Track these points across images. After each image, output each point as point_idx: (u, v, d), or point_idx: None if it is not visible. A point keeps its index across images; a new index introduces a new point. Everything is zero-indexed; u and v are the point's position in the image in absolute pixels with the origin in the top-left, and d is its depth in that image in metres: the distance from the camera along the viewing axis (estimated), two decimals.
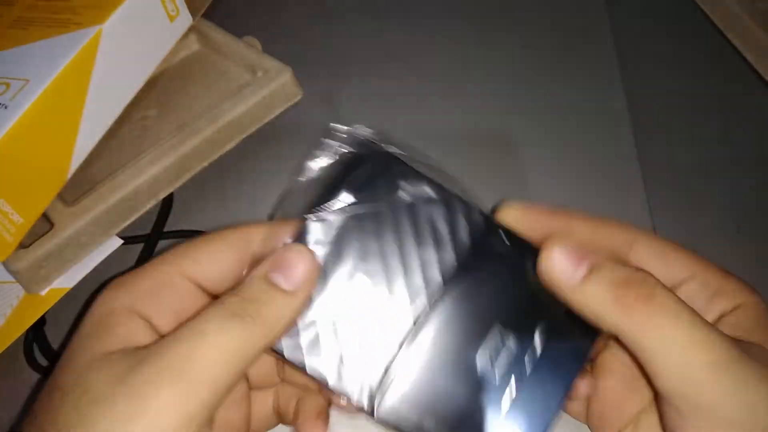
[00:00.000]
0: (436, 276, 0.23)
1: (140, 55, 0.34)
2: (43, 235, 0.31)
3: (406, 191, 0.23)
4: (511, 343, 0.23)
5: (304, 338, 0.22)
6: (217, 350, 0.19)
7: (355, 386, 0.22)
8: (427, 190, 0.23)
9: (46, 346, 0.31)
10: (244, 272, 0.23)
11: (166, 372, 0.19)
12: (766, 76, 0.41)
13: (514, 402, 0.22)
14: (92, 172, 0.34)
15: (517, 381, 0.22)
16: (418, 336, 0.22)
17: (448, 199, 0.23)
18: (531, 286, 0.23)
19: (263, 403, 0.26)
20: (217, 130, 0.34)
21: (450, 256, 0.23)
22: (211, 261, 0.23)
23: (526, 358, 0.23)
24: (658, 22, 0.44)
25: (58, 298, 0.31)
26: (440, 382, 0.22)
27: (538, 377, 0.22)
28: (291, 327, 0.22)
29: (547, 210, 0.25)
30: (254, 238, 0.23)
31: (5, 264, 0.30)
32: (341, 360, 0.22)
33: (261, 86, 0.35)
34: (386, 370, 0.22)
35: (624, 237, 0.25)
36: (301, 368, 0.22)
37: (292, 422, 0.25)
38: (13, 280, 0.31)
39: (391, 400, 0.22)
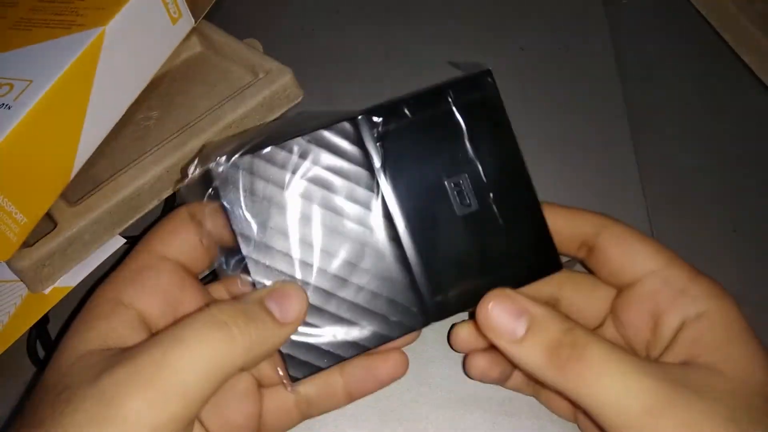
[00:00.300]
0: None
1: (143, 57, 0.34)
2: (46, 235, 0.31)
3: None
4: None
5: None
6: (192, 359, 0.19)
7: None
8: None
9: (50, 345, 0.31)
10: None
11: (137, 377, 0.18)
12: (763, 77, 0.41)
13: None
14: (95, 172, 0.34)
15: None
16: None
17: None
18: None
19: (282, 399, 0.25)
20: (219, 130, 0.34)
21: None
22: (179, 239, 0.24)
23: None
24: (655, 22, 0.45)
25: (61, 297, 0.32)
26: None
27: None
28: (269, 358, 0.22)
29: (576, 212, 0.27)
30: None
31: (9, 263, 0.31)
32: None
33: (262, 87, 0.35)
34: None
35: (593, 224, 0.26)
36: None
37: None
38: (17, 279, 0.32)
39: None
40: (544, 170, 0.37)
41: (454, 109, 0.25)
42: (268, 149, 0.23)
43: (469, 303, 0.24)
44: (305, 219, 0.23)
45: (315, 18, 0.45)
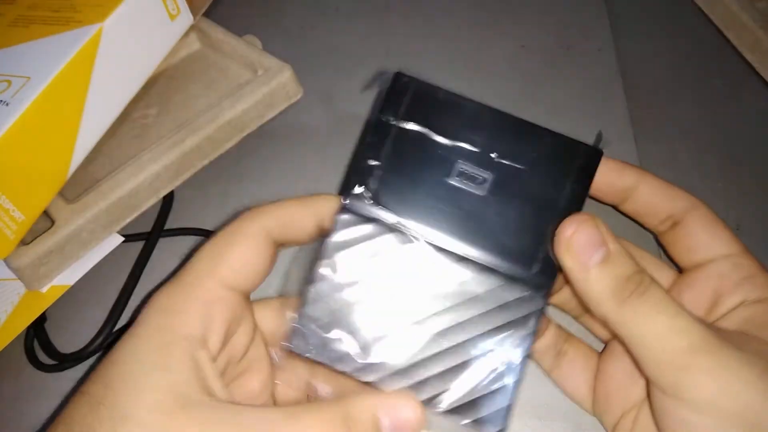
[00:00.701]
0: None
1: (141, 54, 0.34)
2: (44, 232, 0.31)
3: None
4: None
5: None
6: None
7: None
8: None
9: (47, 344, 0.31)
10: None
11: None
12: (765, 75, 0.41)
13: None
14: (93, 170, 0.34)
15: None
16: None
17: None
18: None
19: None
20: (218, 128, 0.34)
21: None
22: (244, 264, 0.23)
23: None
24: (657, 20, 0.45)
25: (59, 295, 0.32)
26: None
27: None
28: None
29: (623, 164, 0.28)
30: (272, 225, 0.24)
31: (6, 261, 0.30)
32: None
33: (261, 84, 0.35)
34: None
35: (687, 201, 0.27)
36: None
37: None
38: (14, 277, 0.31)
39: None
40: None
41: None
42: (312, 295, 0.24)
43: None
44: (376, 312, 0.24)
45: (314, 15, 0.45)
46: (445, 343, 0.24)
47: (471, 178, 0.25)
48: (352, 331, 0.23)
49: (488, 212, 0.24)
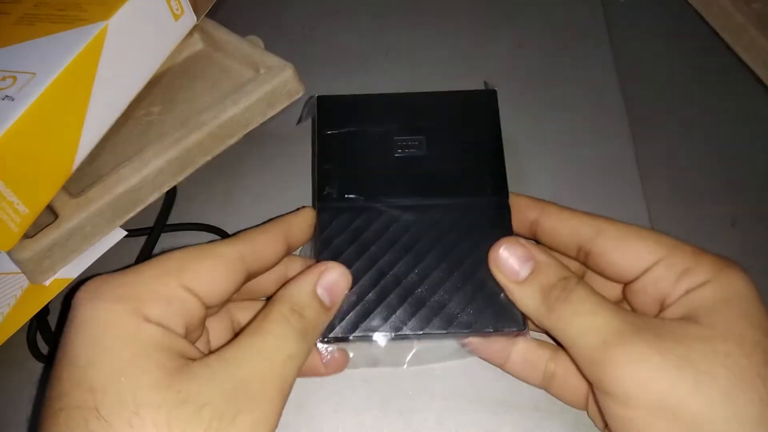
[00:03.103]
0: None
1: (145, 52, 0.35)
2: (47, 226, 0.31)
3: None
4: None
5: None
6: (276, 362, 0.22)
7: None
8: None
9: (50, 336, 0.32)
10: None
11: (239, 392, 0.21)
12: (760, 74, 0.41)
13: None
14: (97, 165, 0.34)
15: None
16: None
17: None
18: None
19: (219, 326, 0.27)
20: (221, 125, 0.34)
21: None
22: (211, 278, 0.24)
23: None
24: (653, 21, 0.45)
25: (61, 289, 0.32)
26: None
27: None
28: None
29: (527, 201, 0.29)
30: (247, 253, 0.25)
31: (10, 254, 0.31)
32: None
33: (263, 82, 0.35)
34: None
35: (589, 227, 0.26)
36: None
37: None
38: (18, 270, 0.32)
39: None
40: (543, 168, 0.37)
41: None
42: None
43: None
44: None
45: (316, 16, 0.45)
46: (445, 276, 0.27)
47: (409, 146, 0.30)
48: (368, 302, 0.27)
49: (434, 164, 0.30)
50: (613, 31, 0.44)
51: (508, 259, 0.26)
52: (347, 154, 0.30)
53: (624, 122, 0.39)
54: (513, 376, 0.28)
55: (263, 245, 0.26)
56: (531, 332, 0.28)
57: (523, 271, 0.25)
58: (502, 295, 0.27)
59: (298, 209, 0.29)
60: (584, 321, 0.23)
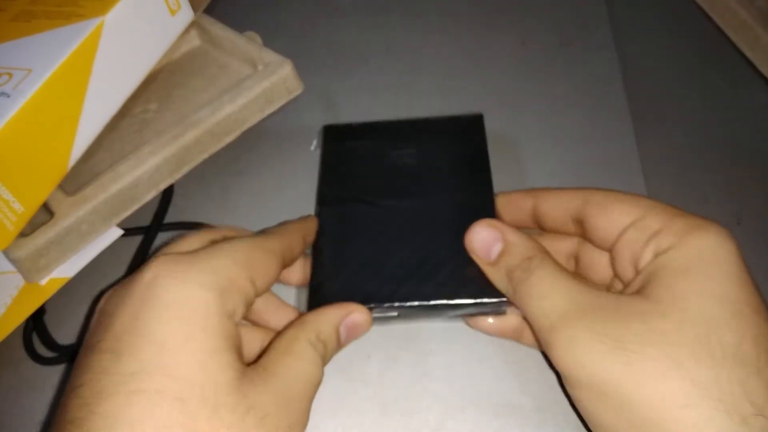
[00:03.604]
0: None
1: (141, 49, 0.34)
2: (43, 225, 0.31)
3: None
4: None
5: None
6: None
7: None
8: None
9: (46, 336, 0.31)
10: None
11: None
12: (764, 71, 0.41)
13: None
14: (93, 163, 0.34)
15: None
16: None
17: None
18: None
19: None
20: (218, 122, 0.34)
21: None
22: (267, 272, 0.25)
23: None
24: (656, 17, 0.45)
25: (58, 288, 0.32)
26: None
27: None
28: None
29: (520, 193, 0.29)
30: (286, 250, 0.27)
31: (6, 252, 0.30)
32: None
33: (261, 79, 0.35)
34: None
35: (578, 198, 0.27)
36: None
37: None
38: (13, 270, 0.31)
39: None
40: (546, 164, 0.37)
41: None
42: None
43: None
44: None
45: (314, 13, 0.45)
46: (434, 254, 0.29)
47: (405, 157, 0.33)
48: (363, 277, 0.29)
49: (424, 168, 0.33)
50: (617, 28, 0.43)
51: (480, 241, 0.27)
52: (350, 168, 0.34)
53: (627, 120, 0.39)
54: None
55: (296, 244, 0.27)
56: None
57: (493, 252, 0.26)
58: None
59: (305, 216, 0.31)
60: (536, 304, 0.24)
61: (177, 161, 0.34)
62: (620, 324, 0.21)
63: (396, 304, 0.28)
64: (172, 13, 0.35)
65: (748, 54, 0.42)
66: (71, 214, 0.31)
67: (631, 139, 0.38)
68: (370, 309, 0.28)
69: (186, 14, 0.36)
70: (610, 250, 0.26)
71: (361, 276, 0.29)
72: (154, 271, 0.22)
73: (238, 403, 0.20)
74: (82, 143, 0.32)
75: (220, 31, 0.38)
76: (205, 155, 0.35)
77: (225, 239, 0.25)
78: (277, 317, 0.28)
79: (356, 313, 0.27)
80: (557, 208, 0.27)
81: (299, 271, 0.30)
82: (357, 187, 0.32)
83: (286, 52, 0.37)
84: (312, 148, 0.38)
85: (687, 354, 0.20)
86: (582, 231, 0.27)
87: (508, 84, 0.41)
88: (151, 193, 0.34)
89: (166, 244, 0.33)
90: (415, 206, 0.31)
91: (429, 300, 0.28)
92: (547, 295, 0.24)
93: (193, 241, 0.25)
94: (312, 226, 0.30)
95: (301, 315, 0.28)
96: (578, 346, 0.22)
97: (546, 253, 0.25)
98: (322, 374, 0.24)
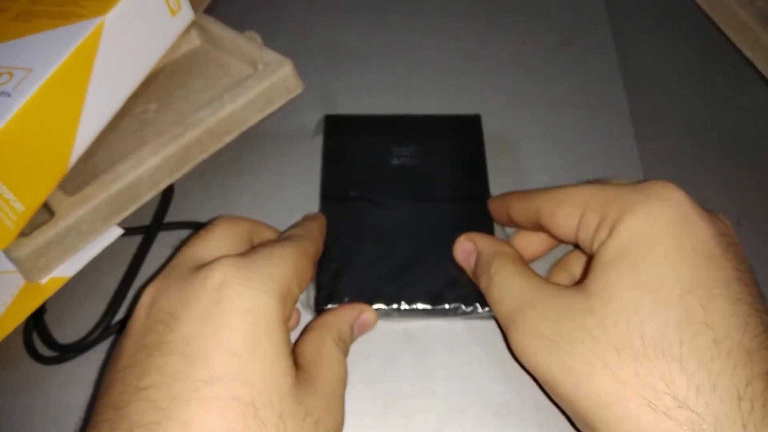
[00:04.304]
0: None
1: (142, 48, 0.34)
2: (44, 224, 0.31)
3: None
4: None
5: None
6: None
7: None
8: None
9: (46, 335, 0.31)
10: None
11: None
12: (764, 71, 0.41)
13: None
14: (94, 163, 0.34)
15: None
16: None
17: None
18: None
19: None
20: (218, 121, 0.34)
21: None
22: (306, 278, 0.26)
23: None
24: (656, 17, 0.45)
25: (58, 287, 0.31)
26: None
27: None
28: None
29: (496, 200, 0.31)
30: (315, 253, 0.28)
31: (6, 252, 0.30)
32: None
33: (261, 78, 0.35)
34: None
35: (534, 205, 0.27)
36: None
37: None
38: (14, 269, 0.31)
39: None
40: (545, 165, 0.37)
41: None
42: None
43: None
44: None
45: (314, 12, 0.45)
46: (434, 261, 0.31)
47: (405, 155, 0.35)
48: (363, 278, 0.31)
49: (424, 168, 0.34)
50: (616, 28, 0.43)
51: (461, 253, 0.30)
52: (351, 161, 0.35)
53: (627, 120, 0.39)
54: None
55: (321, 245, 0.29)
56: None
57: (471, 261, 0.29)
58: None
59: (316, 215, 0.32)
60: (495, 308, 0.26)
61: (177, 161, 0.34)
62: (554, 322, 0.22)
63: (403, 307, 0.30)
64: (173, 13, 0.35)
65: (748, 54, 0.42)
66: (71, 213, 0.31)
67: (630, 139, 0.38)
68: (375, 309, 0.30)
69: (186, 14, 0.36)
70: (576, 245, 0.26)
71: (366, 275, 0.31)
72: (220, 276, 0.22)
73: (297, 409, 0.20)
74: (83, 143, 0.32)
75: (220, 30, 0.38)
76: (205, 155, 0.35)
77: (261, 241, 0.27)
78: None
79: (367, 313, 0.29)
80: (521, 214, 0.28)
81: None
82: (358, 184, 0.34)
83: (286, 52, 0.37)
84: (311, 137, 0.38)
85: (611, 349, 0.20)
86: (546, 233, 0.27)
87: (508, 84, 0.41)
88: (151, 193, 0.34)
89: (166, 243, 0.34)
90: (415, 206, 0.33)
91: (432, 304, 0.30)
92: (502, 299, 0.25)
93: (227, 236, 0.26)
94: (325, 226, 0.31)
95: (320, 315, 0.29)
96: (524, 347, 0.23)
97: (506, 257, 0.27)
98: (347, 371, 0.25)
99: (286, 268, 0.23)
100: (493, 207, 0.32)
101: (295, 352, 0.24)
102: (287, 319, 0.23)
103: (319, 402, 0.22)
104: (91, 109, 0.32)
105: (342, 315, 0.28)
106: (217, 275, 0.22)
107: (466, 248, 0.30)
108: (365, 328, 0.29)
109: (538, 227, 0.28)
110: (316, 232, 0.29)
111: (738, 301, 0.20)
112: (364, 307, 0.29)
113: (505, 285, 0.25)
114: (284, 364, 0.21)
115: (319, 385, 0.22)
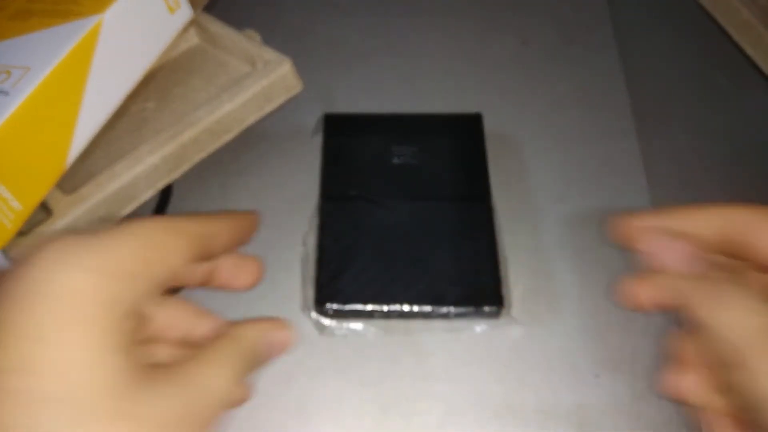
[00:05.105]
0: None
1: (140, 47, 0.34)
2: (41, 223, 0.30)
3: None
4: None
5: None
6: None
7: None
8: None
9: None
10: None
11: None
12: (766, 71, 0.41)
13: None
14: (91, 163, 0.34)
15: None
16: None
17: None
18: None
19: None
20: (217, 120, 0.34)
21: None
22: (177, 258, 0.21)
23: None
24: (658, 16, 0.45)
25: None
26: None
27: None
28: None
29: (645, 216, 0.25)
30: (207, 236, 0.23)
31: (4, 251, 0.30)
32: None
33: (260, 77, 0.35)
34: None
35: (736, 218, 0.24)
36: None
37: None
38: None
39: None
40: (547, 165, 0.37)
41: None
42: None
43: None
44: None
45: (314, 9, 0.45)
46: (437, 260, 0.31)
47: (405, 154, 0.34)
48: (365, 279, 0.30)
49: (424, 167, 0.34)
50: (618, 27, 0.43)
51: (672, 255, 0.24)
52: (351, 159, 0.35)
53: (629, 119, 0.39)
54: None
55: (220, 233, 0.23)
56: None
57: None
58: (483, 277, 0.30)
59: (245, 212, 0.26)
60: (735, 314, 0.22)
61: (175, 160, 0.33)
62: None
63: (403, 309, 0.30)
64: (171, 11, 0.35)
65: (751, 53, 0.42)
66: (69, 212, 0.31)
67: (633, 138, 0.38)
68: (374, 310, 0.30)
69: (185, 12, 0.36)
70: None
71: (366, 275, 0.30)
72: (40, 254, 0.18)
73: (121, 409, 0.17)
74: (81, 141, 0.32)
75: (219, 29, 0.38)
76: (204, 154, 0.35)
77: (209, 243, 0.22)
78: (195, 327, 0.25)
79: (280, 331, 0.24)
80: (711, 228, 0.24)
81: (247, 274, 0.26)
82: (358, 184, 0.33)
83: (285, 51, 0.36)
84: (311, 136, 0.38)
85: None
86: (739, 253, 0.24)
87: (509, 83, 0.41)
88: (150, 192, 0.33)
89: None
90: (414, 206, 0.33)
91: (433, 305, 0.30)
92: (741, 310, 0.21)
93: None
94: (251, 224, 0.26)
95: (227, 324, 0.24)
96: None
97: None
98: (239, 392, 0.22)
99: (124, 241, 0.19)
100: (630, 228, 0.25)
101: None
102: (125, 301, 0.18)
103: (167, 409, 0.18)
104: (89, 107, 0.31)
105: (250, 328, 0.24)
106: (37, 254, 0.18)
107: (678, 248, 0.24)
108: (279, 349, 0.24)
109: (725, 250, 0.24)
110: (221, 219, 0.24)
111: None
112: (279, 323, 0.24)
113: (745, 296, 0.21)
114: (107, 355, 0.17)
115: (176, 391, 0.19)
